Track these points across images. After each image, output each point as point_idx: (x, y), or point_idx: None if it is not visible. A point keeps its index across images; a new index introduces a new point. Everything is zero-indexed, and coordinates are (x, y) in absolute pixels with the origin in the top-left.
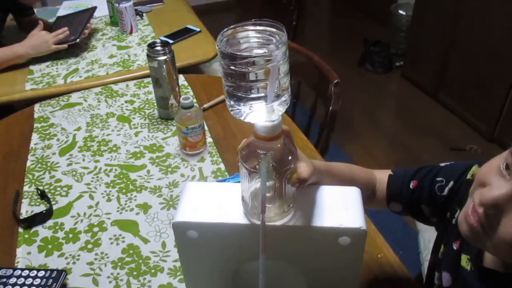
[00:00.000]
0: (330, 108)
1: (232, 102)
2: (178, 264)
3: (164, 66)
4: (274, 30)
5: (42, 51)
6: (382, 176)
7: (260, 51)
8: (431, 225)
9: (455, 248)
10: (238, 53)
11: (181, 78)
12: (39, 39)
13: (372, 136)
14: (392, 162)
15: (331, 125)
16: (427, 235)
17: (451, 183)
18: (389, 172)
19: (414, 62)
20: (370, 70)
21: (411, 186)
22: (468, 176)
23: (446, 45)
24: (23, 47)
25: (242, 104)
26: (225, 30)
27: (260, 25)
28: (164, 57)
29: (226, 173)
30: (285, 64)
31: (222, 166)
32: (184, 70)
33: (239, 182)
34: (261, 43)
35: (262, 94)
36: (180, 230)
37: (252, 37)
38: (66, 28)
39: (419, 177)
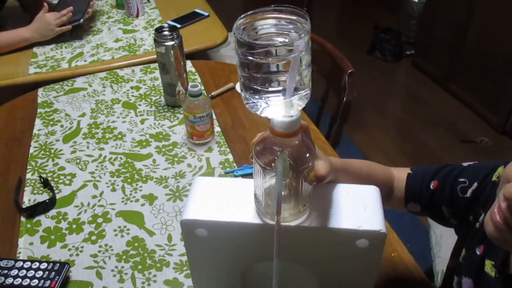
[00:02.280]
0: (344, 99)
1: (247, 95)
2: (184, 258)
3: (171, 51)
4: (296, 17)
5: (47, 35)
6: (400, 175)
7: (281, 40)
8: (450, 227)
9: (478, 253)
10: (257, 42)
11: (188, 64)
12: (42, 23)
13: (381, 126)
14: (400, 153)
15: (345, 116)
16: (439, 230)
17: (475, 184)
18: (408, 170)
19: (425, 51)
20: (380, 58)
21: (431, 187)
22: (494, 178)
23: (459, 34)
24: (29, 31)
25: (258, 97)
26: (242, 16)
27: (280, 11)
28: (172, 43)
29: (235, 164)
30: (307, 55)
31: (230, 156)
32: (191, 56)
33: (248, 174)
34: (282, 32)
35: (281, 88)
36: (189, 228)
37: (272, 25)
38: (70, 8)
39: (440, 177)
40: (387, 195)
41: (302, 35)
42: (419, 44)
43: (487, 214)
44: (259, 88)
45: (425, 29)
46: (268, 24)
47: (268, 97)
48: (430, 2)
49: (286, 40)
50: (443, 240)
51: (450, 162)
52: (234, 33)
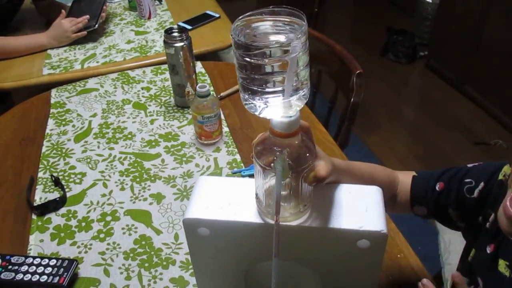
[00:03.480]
0: (352, 99)
1: (246, 96)
2: (190, 257)
3: (180, 53)
4: (293, 18)
5: (63, 41)
6: (405, 178)
7: (276, 40)
8: (457, 230)
9: (488, 251)
10: (254, 44)
11: (199, 66)
12: (59, 30)
13: (393, 128)
14: (413, 156)
15: (352, 117)
16: (447, 236)
17: (482, 184)
18: (412, 173)
19: (439, 53)
20: (393, 60)
21: (437, 189)
22: (500, 177)
23: (473, 35)
24: (47, 37)
25: (257, 98)
26: (240, 18)
27: (278, 13)
28: (181, 44)
29: (242, 164)
30: (305, 56)
31: (238, 157)
32: (202, 57)
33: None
34: (279, 33)
35: (279, 88)
36: (191, 227)
37: (270, 26)
38: (87, 17)
39: (446, 179)
40: (391, 198)
41: (299, 35)
42: (433, 46)
43: (500, 208)
44: (257, 89)
45: (439, 30)
46: (265, 26)
47: (267, 98)
48: (444, 3)
49: (283, 42)
50: (452, 247)
51: (463, 164)
52: (231, 35)
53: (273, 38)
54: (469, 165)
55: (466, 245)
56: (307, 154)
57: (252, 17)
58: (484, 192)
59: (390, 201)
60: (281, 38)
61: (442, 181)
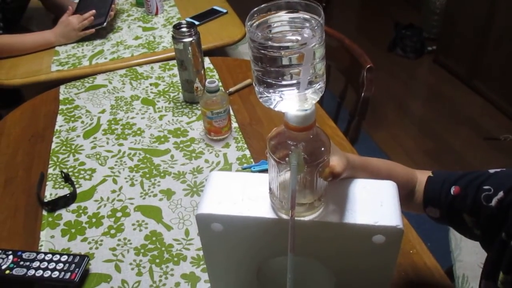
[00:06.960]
0: (363, 94)
1: (261, 89)
2: (201, 253)
3: (189, 48)
4: (310, 10)
5: (71, 38)
6: (423, 177)
7: (294, 38)
8: (472, 238)
9: None
10: (270, 39)
11: (207, 61)
12: (67, 27)
13: (402, 123)
14: (421, 152)
15: (363, 112)
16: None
17: (501, 194)
18: (429, 173)
19: (447, 47)
20: (401, 55)
21: (452, 192)
22: None
23: (483, 29)
24: (54, 35)
25: (272, 91)
26: (255, 10)
27: (294, 5)
28: (190, 39)
29: (252, 160)
30: (321, 48)
31: (247, 152)
32: (210, 53)
33: (265, 169)
34: (295, 26)
35: (295, 81)
36: (204, 222)
37: (285, 19)
38: (93, 12)
39: (463, 183)
40: (407, 197)
41: (316, 27)
42: (441, 40)
43: None
44: (272, 82)
45: (448, 25)
46: (281, 19)
47: (282, 91)
48: None
49: (299, 36)
50: (463, 243)
51: (473, 159)
52: (247, 29)
53: (289, 31)
54: (491, 171)
55: (489, 262)
56: (322, 149)
57: (267, 10)
58: (504, 203)
59: (406, 200)
60: (298, 32)
61: (458, 185)
